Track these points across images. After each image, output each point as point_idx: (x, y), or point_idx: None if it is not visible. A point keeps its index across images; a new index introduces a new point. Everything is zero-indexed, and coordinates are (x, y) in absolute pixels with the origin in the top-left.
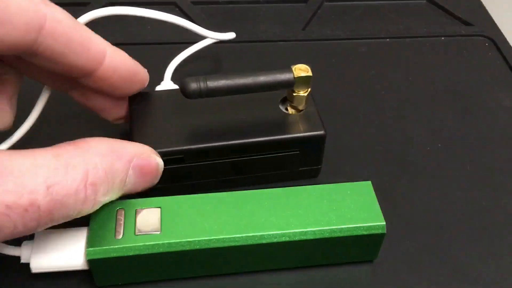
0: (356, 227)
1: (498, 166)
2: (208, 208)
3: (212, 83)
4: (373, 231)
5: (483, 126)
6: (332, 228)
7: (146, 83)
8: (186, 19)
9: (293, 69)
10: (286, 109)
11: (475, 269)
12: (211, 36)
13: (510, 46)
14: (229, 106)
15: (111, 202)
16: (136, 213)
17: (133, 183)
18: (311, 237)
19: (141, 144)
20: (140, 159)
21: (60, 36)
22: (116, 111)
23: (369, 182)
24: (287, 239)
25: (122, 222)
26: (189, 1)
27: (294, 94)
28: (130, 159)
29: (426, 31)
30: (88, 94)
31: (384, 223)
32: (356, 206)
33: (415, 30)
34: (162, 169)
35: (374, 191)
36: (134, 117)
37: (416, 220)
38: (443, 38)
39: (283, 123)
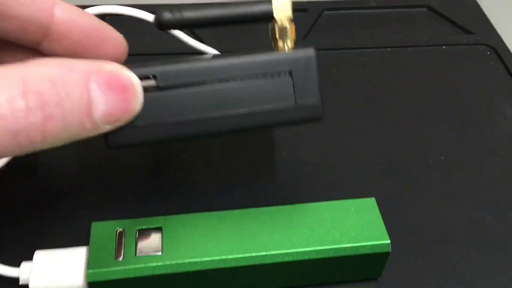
0: (361, 245)
1: (501, 177)
2: (210, 227)
3: (188, 13)
4: (378, 250)
5: (486, 136)
6: (336, 247)
7: (123, 50)
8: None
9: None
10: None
11: (480, 284)
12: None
13: (511, 54)
14: None
15: (111, 223)
16: (136, 233)
17: (105, 102)
18: (315, 257)
19: (106, 60)
20: (103, 72)
21: None
22: None
23: (373, 199)
24: (291, 259)
25: (122, 243)
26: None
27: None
28: (87, 72)
29: (427, 40)
30: None
31: (389, 241)
32: (361, 224)
33: (416, 39)
34: (140, 88)
35: (378, 206)
36: None
37: (421, 235)
38: (444, 47)
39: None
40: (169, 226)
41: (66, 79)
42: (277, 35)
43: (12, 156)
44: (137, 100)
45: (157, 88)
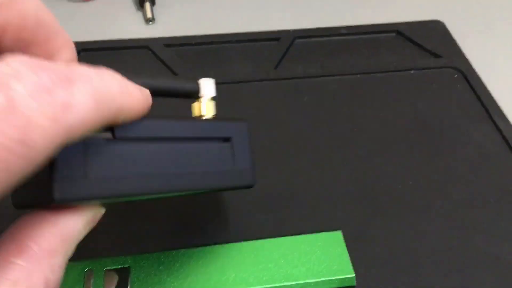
0: (326, 280)
1: (468, 201)
2: (177, 265)
3: None
4: (343, 284)
5: (454, 160)
6: (303, 283)
7: (71, 49)
8: (160, 62)
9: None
10: None
11: None
12: None
13: (478, 77)
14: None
15: (80, 263)
16: (105, 273)
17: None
18: None
19: (87, 208)
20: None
21: None
22: None
23: (339, 232)
24: None
25: (90, 284)
26: (162, 44)
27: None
28: (82, 235)
29: (396, 65)
30: None
31: (354, 275)
32: (327, 258)
33: (385, 64)
34: None
35: (346, 236)
36: None
37: (390, 262)
38: (412, 71)
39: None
40: (137, 265)
41: (68, 254)
42: (201, 110)
43: None
44: None
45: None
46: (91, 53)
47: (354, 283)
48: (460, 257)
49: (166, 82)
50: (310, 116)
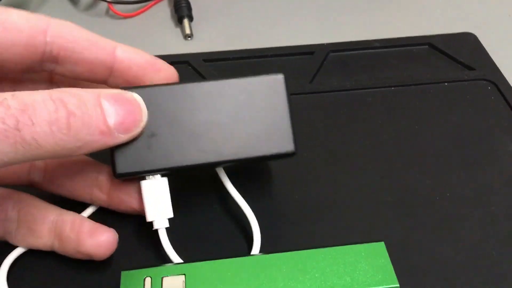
0: None
1: (505, 212)
2: (230, 273)
3: None
4: None
5: (489, 172)
6: None
7: (174, 78)
8: (198, 76)
9: None
10: None
11: None
12: None
13: (511, 89)
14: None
15: (139, 271)
16: (162, 280)
17: (115, 113)
18: None
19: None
20: (110, 92)
21: (66, 34)
22: None
23: (382, 243)
24: None
25: None
26: (200, 59)
27: None
28: (97, 92)
29: (429, 77)
30: None
31: (398, 285)
32: (371, 268)
33: (418, 77)
34: (143, 103)
35: (388, 247)
36: None
37: (431, 272)
38: (446, 83)
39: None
40: (192, 273)
41: (81, 94)
42: None
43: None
44: (143, 112)
45: None
46: None
47: None
48: (499, 268)
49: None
50: (346, 129)
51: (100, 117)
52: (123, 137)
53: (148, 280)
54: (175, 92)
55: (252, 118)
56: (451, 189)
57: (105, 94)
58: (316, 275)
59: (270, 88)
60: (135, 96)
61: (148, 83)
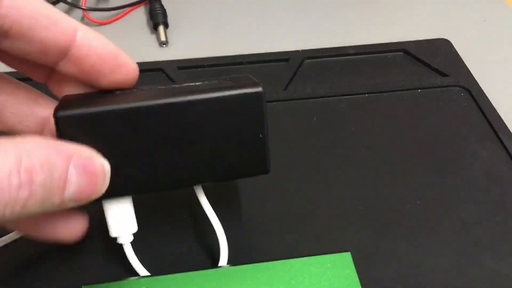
0: None
1: (477, 220)
2: (195, 287)
3: None
4: None
5: (461, 179)
6: None
7: (133, 76)
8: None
9: None
10: None
11: None
12: None
13: (485, 95)
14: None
15: (100, 286)
16: None
17: (77, 184)
18: None
19: (83, 145)
20: (82, 157)
21: (24, 7)
22: None
23: (348, 253)
24: None
25: None
26: (175, 66)
27: None
28: (70, 156)
29: (403, 84)
30: (65, 84)
31: None
32: (336, 279)
33: (392, 83)
34: (109, 173)
35: (355, 257)
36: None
37: (398, 282)
38: (420, 90)
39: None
40: (155, 286)
41: (52, 161)
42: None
43: None
44: (103, 185)
45: None
46: None
47: None
48: (468, 276)
49: None
50: (320, 136)
51: (60, 189)
52: (71, 205)
53: None
54: (143, 112)
55: (226, 137)
56: (422, 196)
57: (77, 160)
58: (281, 287)
59: (247, 104)
60: (105, 166)
61: (102, 80)
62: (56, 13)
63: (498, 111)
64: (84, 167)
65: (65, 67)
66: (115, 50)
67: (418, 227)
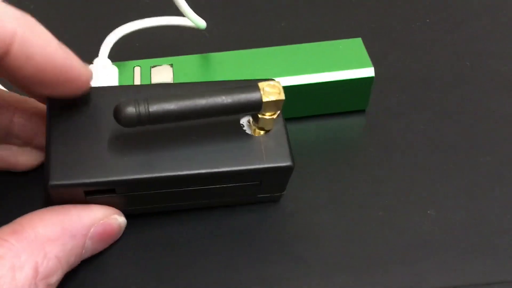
0: (348, 72)
1: None
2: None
3: (156, 108)
4: (363, 75)
5: None
6: (326, 74)
7: (83, 88)
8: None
9: (261, 88)
10: (249, 124)
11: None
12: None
13: None
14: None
15: (128, 62)
16: (151, 69)
17: (92, 249)
18: (308, 82)
19: (100, 207)
20: (99, 225)
21: None
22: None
23: (359, 39)
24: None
25: (139, 77)
26: None
27: (260, 116)
28: (86, 233)
29: None
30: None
31: (372, 67)
32: (348, 56)
33: None
34: (125, 223)
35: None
36: (53, 131)
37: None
38: None
39: (242, 148)
40: (179, 64)
41: (68, 249)
42: (259, 122)
43: None
44: (118, 236)
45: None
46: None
47: (373, 74)
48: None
49: (216, 100)
50: None
51: (76, 260)
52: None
53: (137, 69)
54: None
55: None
56: None
57: (93, 232)
58: (296, 67)
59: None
60: (121, 224)
61: (44, 91)
62: None
63: None
64: (101, 235)
65: (4, 73)
66: (63, 63)
67: None
